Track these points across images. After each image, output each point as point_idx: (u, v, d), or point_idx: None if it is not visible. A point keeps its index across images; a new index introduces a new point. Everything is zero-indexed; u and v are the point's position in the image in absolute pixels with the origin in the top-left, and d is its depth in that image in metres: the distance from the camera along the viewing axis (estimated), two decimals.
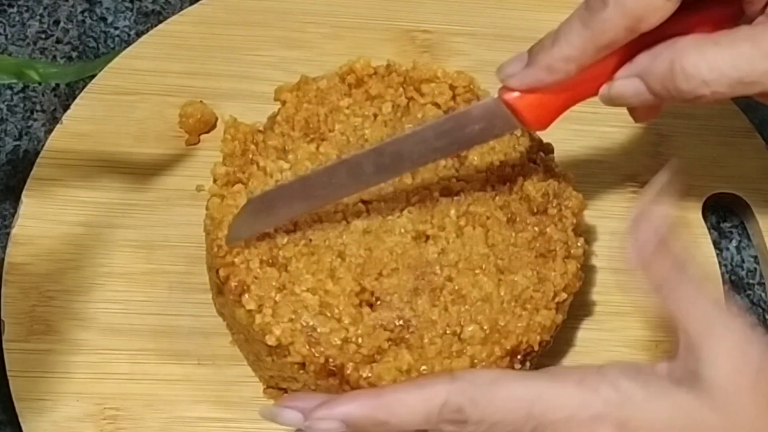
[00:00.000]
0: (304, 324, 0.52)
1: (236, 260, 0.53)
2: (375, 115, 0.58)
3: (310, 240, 0.54)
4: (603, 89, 0.49)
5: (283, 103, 0.58)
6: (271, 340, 0.52)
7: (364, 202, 0.55)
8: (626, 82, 0.49)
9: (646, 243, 0.46)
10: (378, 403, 0.46)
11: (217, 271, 0.53)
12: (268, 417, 0.49)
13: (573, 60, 0.47)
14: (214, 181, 0.56)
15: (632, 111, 0.54)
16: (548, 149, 0.58)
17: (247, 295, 0.52)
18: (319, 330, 0.51)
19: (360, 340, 0.51)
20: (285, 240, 0.54)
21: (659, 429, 0.45)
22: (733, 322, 0.45)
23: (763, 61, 0.46)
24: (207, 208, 0.55)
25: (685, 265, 0.46)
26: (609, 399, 0.45)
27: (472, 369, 0.49)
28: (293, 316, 0.52)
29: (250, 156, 0.56)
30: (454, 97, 0.58)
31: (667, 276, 0.46)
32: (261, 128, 0.57)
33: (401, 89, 0.58)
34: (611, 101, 0.50)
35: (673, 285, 0.46)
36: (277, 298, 0.52)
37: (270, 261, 0.53)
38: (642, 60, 0.48)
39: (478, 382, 0.46)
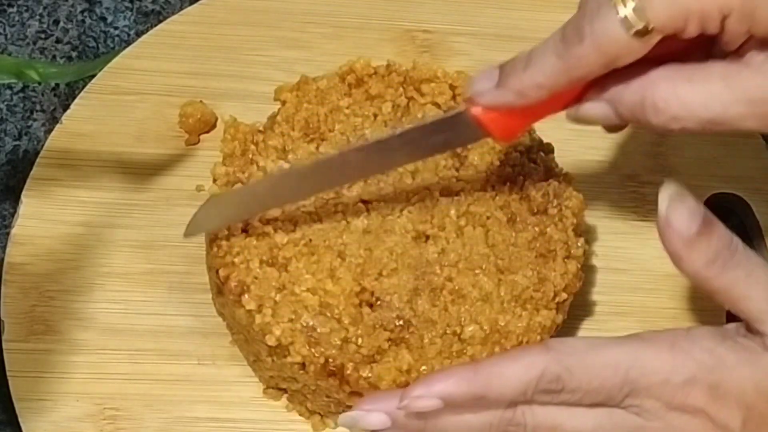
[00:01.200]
0: (304, 324, 0.51)
1: (236, 260, 0.53)
2: (375, 115, 0.58)
3: (310, 240, 0.54)
4: (571, 109, 0.49)
5: (283, 103, 0.58)
6: (271, 341, 0.51)
7: (363, 201, 0.55)
8: (595, 106, 0.48)
9: (687, 225, 0.46)
10: (475, 377, 0.46)
11: (217, 271, 0.53)
12: (349, 424, 0.49)
13: (544, 87, 0.47)
14: (214, 181, 0.56)
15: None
16: (548, 149, 0.58)
17: (246, 295, 0.52)
18: (319, 330, 0.51)
19: (360, 340, 0.51)
20: (285, 240, 0.54)
21: (749, 391, 0.46)
22: None
23: (735, 106, 0.46)
24: None
25: (734, 243, 0.46)
26: (702, 362, 0.46)
27: (565, 338, 0.49)
28: (293, 317, 0.52)
29: (250, 156, 0.56)
30: (454, 97, 0.58)
31: (716, 257, 0.46)
32: (261, 128, 0.57)
33: (401, 89, 0.58)
34: (578, 121, 0.50)
35: (723, 267, 0.46)
36: (277, 299, 0.52)
37: (270, 261, 0.53)
38: (612, 86, 0.48)
39: (574, 351, 0.47)
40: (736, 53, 0.46)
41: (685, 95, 0.46)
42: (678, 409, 0.46)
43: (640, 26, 0.44)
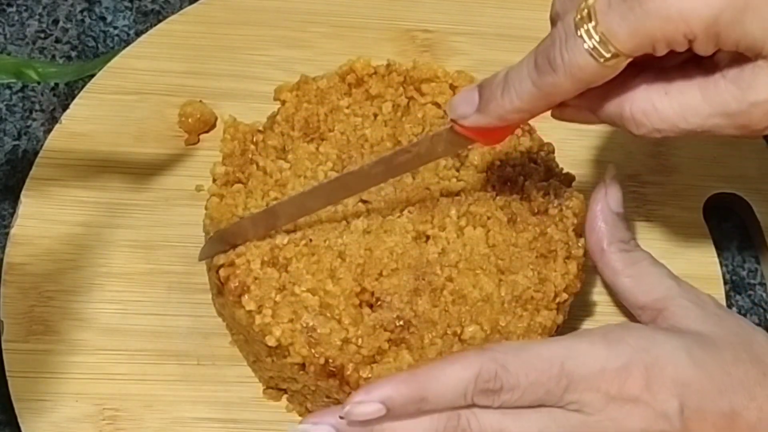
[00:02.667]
0: (304, 325, 0.51)
1: (237, 261, 0.53)
2: (375, 115, 0.57)
3: (311, 240, 0.54)
4: (555, 111, 0.50)
5: (283, 102, 0.58)
6: (271, 341, 0.51)
7: (364, 201, 0.55)
8: (578, 111, 0.49)
9: (600, 237, 0.54)
10: (415, 380, 0.47)
11: (218, 272, 0.53)
12: None
13: (524, 111, 0.48)
14: (214, 181, 0.56)
15: None
16: (549, 149, 0.58)
17: (246, 296, 0.52)
18: (319, 331, 0.51)
19: (360, 340, 0.51)
20: (285, 240, 0.53)
21: (683, 362, 0.47)
22: (683, 292, 0.53)
23: (713, 118, 0.46)
24: (206, 208, 0.55)
25: (634, 250, 0.55)
26: (636, 345, 0.47)
27: (502, 341, 0.50)
28: (293, 317, 0.52)
29: (250, 156, 0.56)
30: None
31: (620, 262, 0.54)
32: (261, 128, 0.57)
33: (401, 89, 0.58)
34: (562, 120, 0.51)
35: (619, 270, 0.54)
36: (277, 299, 0.52)
37: (270, 261, 0.53)
38: (593, 96, 0.48)
39: (509, 349, 0.47)
40: (711, 58, 0.47)
41: (664, 109, 0.47)
42: (617, 399, 0.46)
43: (608, 55, 0.45)
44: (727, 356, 0.48)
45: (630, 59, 0.45)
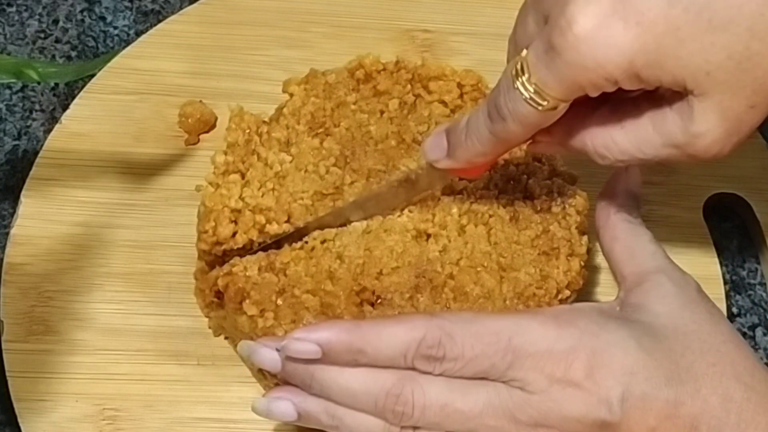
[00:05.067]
0: (306, 324, 0.51)
1: (234, 269, 0.53)
2: (381, 112, 0.57)
3: (306, 242, 0.54)
4: (528, 146, 0.51)
5: (291, 95, 0.57)
6: None
7: None
8: (548, 146, 0.51)
9: (610, 204, 0.54)
10: (356, 331, 0.47)
11: (216, 281, 0.53)
12: (245, 352, 0.49)
13: (488, 155, 0.50)
14: (214, 170, 0.55)
15: None
16: None
17: (247, 301, 0.52)
18: None
19: None
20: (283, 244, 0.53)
21: (632, 349, 0.47)
22: (668, 271, 0.52)
23: (665, 149, 0.47)
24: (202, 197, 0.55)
25: (638, 225, 0.54)
26: (585, 329, 0.47)
27: (452, 310, 0.50)
28: (295, 318, 0.51)
29: (253, 147, 0.56)
30: (461, 96, 0.58)
31: (621, 230, 0.54)
32: (266, 119, 0.57)
33: (409, 86, 0.58)
34: (537, 153, 0.56)
35: (617, 237, 0.54)
36: (278, 302, 0.52)
37: (267, 267, 0.53)
38: (557, 132, 0.49)
39: (458, 319, 0.47)
40: (658, 90, 0.47)
41: (621, 142, 0.48)
42: (560, 382, 0.47)
43: (545, 103, 0.46)
44: (676, 346, 0.48)
45: (568, 102, 0.47)
